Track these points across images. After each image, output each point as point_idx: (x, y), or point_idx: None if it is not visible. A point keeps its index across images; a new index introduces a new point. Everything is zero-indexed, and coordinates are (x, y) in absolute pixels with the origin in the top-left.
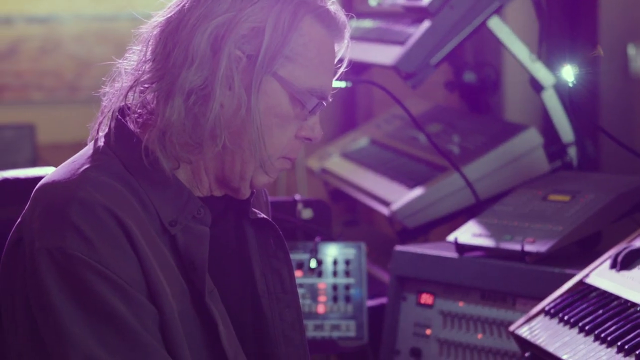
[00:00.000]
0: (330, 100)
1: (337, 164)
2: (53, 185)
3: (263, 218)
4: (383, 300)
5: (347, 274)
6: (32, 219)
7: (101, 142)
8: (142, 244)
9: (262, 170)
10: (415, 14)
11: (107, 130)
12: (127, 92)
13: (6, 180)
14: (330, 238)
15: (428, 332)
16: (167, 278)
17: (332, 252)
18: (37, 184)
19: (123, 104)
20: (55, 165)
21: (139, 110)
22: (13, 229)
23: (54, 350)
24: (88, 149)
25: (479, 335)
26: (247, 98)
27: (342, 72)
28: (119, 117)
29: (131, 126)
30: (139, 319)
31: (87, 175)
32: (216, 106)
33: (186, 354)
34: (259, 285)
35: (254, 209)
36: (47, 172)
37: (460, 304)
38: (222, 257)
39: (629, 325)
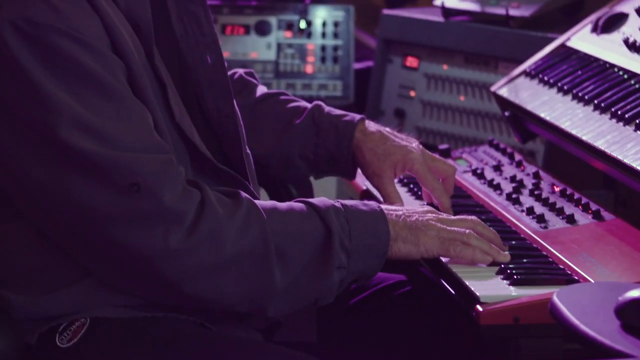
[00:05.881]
0: None
1: None
2: None
3: None
4: (369, 63)
5: (335, 35)
6: None
7: None
8: (98, 1)
9: None
10: None
11: None
12: None
13: None
14: (319, 0)
15: (412, 93)
16: (124, 34)
17: (321, 13)
18: None
19: None
20: None
21: None
22: None
23: (40, 127)
24: None
25: (462, 97)
26: None
27: None
28: None
29: None
30: (112, 73)
31: None
32: None
33: (154, 103)
34: (177, 30)
35: None
36: None
37: (445, 66)
38: None
39: (606, 85)
